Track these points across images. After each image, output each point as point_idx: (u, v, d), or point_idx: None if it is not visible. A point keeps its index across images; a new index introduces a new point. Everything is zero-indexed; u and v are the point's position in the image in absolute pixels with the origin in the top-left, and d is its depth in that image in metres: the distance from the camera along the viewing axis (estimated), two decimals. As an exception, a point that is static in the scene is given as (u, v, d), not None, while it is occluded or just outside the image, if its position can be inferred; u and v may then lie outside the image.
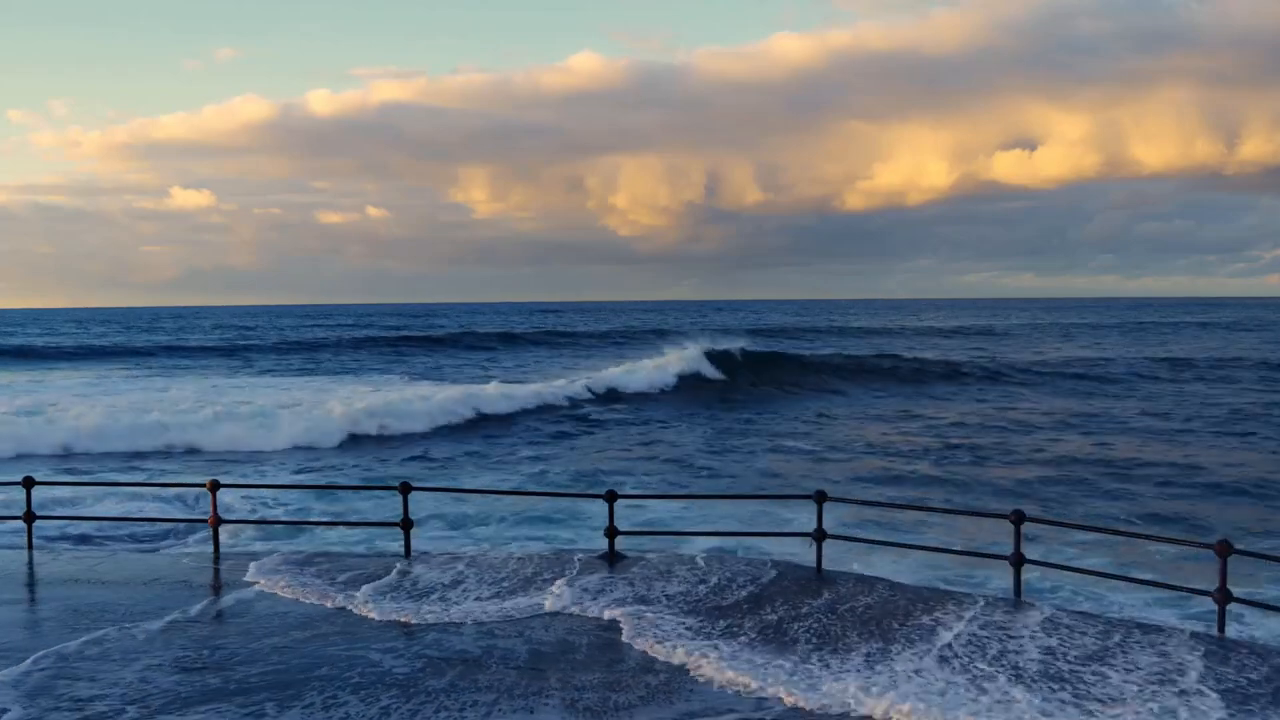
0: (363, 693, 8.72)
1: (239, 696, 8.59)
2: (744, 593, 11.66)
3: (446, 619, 10.95)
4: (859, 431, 35.15)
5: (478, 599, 11.62)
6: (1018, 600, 11.39)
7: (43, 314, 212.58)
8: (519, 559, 13.71)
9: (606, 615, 10.93)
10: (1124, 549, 17.78)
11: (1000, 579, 13.92)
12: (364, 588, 12.04)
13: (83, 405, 36.19)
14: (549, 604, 11.33)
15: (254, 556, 13.87)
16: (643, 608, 11.08)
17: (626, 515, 17.27)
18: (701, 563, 13.02)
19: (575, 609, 11.16)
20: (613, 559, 13.04)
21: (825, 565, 12.63)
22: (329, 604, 11.47)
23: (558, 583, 11.99)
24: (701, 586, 11.91)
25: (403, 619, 10.95)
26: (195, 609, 11.20)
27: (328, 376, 56.56)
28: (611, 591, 11.75)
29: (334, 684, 8.91)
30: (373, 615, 11.06)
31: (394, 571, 12.78)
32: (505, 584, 12.22)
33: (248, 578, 12.57)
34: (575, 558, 13.30)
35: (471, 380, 50.06)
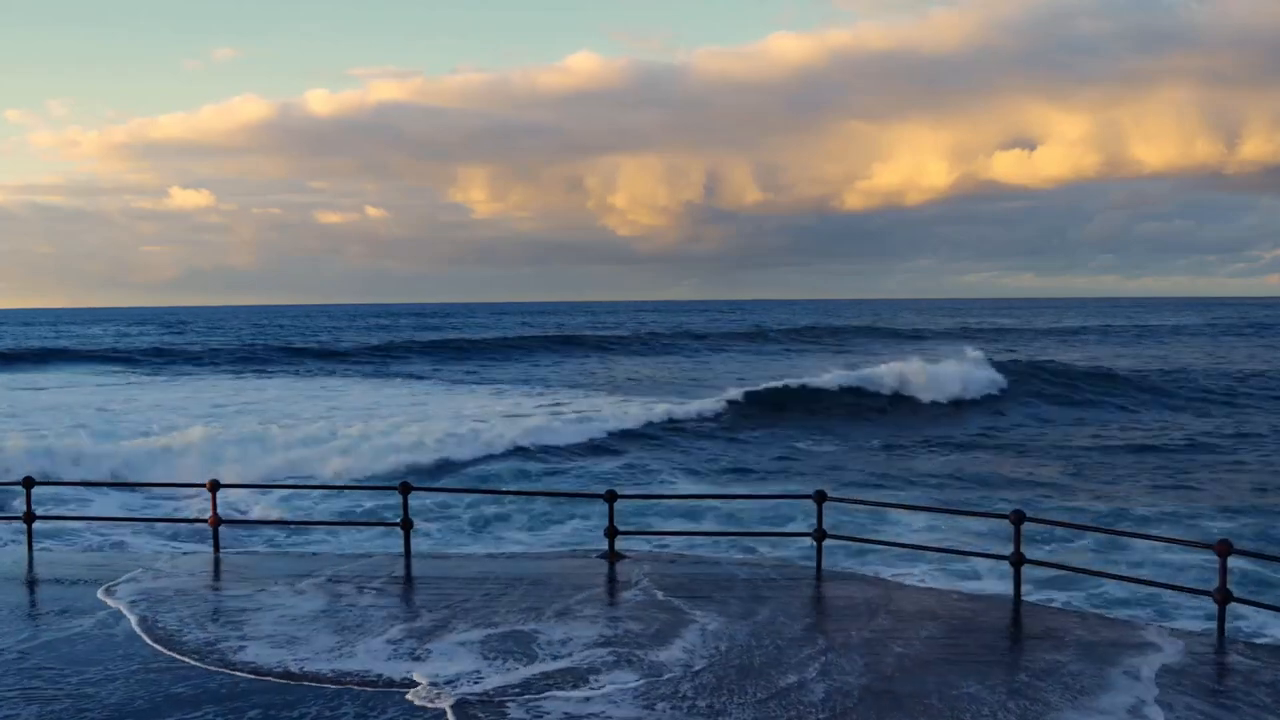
0: None
1: None
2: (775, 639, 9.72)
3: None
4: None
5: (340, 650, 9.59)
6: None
7: (64, 314, 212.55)
8: (504, 560, 13.67)
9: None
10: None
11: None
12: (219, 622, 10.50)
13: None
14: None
15: (254, 555, 13.85)
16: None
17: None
18: (720, 574, 12.79)
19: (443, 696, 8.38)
20: (613, 558, 13.02)
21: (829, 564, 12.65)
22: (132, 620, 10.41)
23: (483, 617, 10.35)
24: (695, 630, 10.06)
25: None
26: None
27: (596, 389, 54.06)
28: (546, 651, 9.47)
29: None
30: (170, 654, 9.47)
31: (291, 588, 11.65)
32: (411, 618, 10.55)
33: (100, 594, 11.56)
34: (564, 572, 13.24)
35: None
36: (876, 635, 9.95)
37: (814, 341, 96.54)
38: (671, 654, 9.41)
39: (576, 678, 8.79)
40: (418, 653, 9.50)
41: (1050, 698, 8.22)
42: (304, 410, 40.95)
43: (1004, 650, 9.78)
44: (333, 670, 9.01)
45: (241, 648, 9.65)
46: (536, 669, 9.04)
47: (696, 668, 9.01)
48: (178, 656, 9.39)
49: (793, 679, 8.69)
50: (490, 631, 10.10)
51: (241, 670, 9.03)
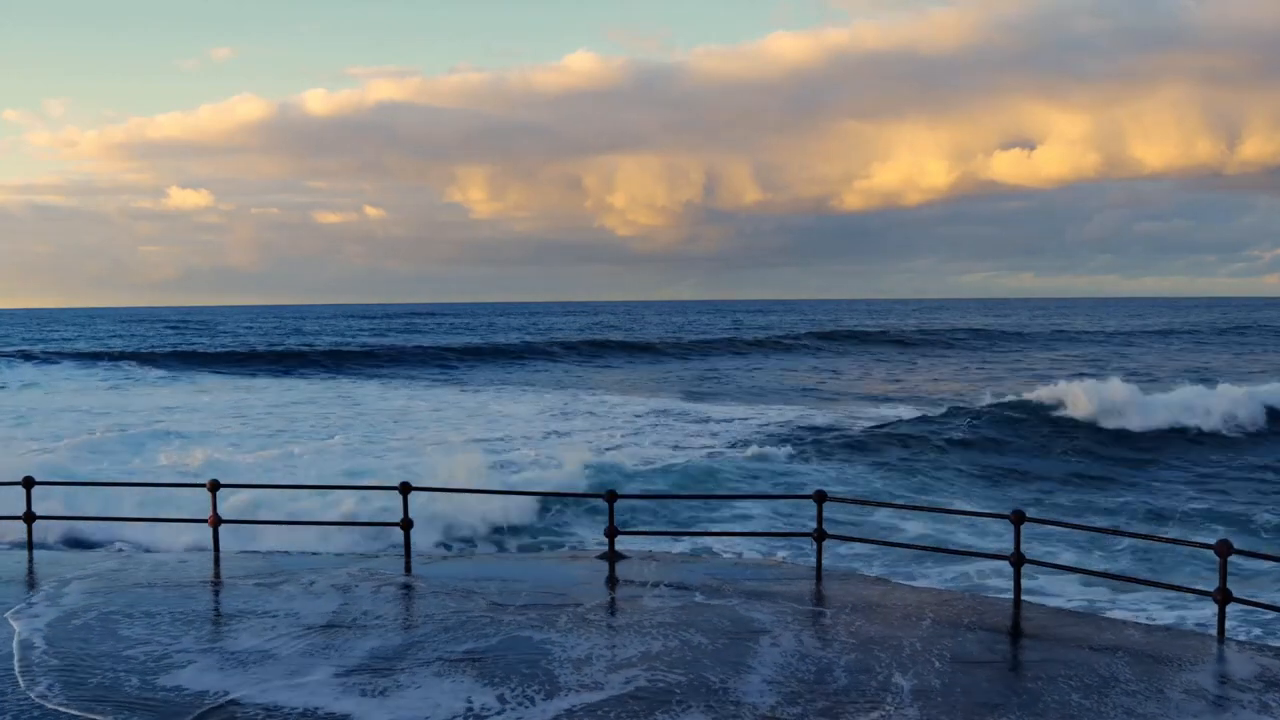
0: None
1: None
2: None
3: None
4: None
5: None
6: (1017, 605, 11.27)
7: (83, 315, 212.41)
8: (504, 560, 13.62)
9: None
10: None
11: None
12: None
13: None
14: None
15: (263, 556, 13.85)
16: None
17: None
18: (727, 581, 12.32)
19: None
20: (613, 559, 13.02)
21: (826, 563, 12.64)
22: None
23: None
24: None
25: None
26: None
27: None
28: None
29: None
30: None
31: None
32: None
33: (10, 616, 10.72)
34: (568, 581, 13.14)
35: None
36: (922, 643, 9.57)
37: (953, 345, 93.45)
38: (729, 673, 8.58)
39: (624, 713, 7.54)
40: (392, 679, 8.40)
41: None
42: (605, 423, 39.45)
43: (1055, 661, 9.22)
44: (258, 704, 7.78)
45: (188, 664, 8.92)
46: (563, 703, 7.73)
47: (763, 691, 8.24)
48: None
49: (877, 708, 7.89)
50: (491, 643, 9.42)
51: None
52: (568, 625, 10.08)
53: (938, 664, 8.95)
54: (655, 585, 11.78)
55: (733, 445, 32.03)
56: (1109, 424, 34.30)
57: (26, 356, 70.40)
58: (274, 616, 10.53)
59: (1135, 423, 34.37)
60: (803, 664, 8.90)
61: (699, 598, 11.18)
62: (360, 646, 9.45)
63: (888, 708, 7.84)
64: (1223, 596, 9.93)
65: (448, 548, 19.06)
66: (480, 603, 10.98)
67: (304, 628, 10.13)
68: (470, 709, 7.71)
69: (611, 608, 10.95)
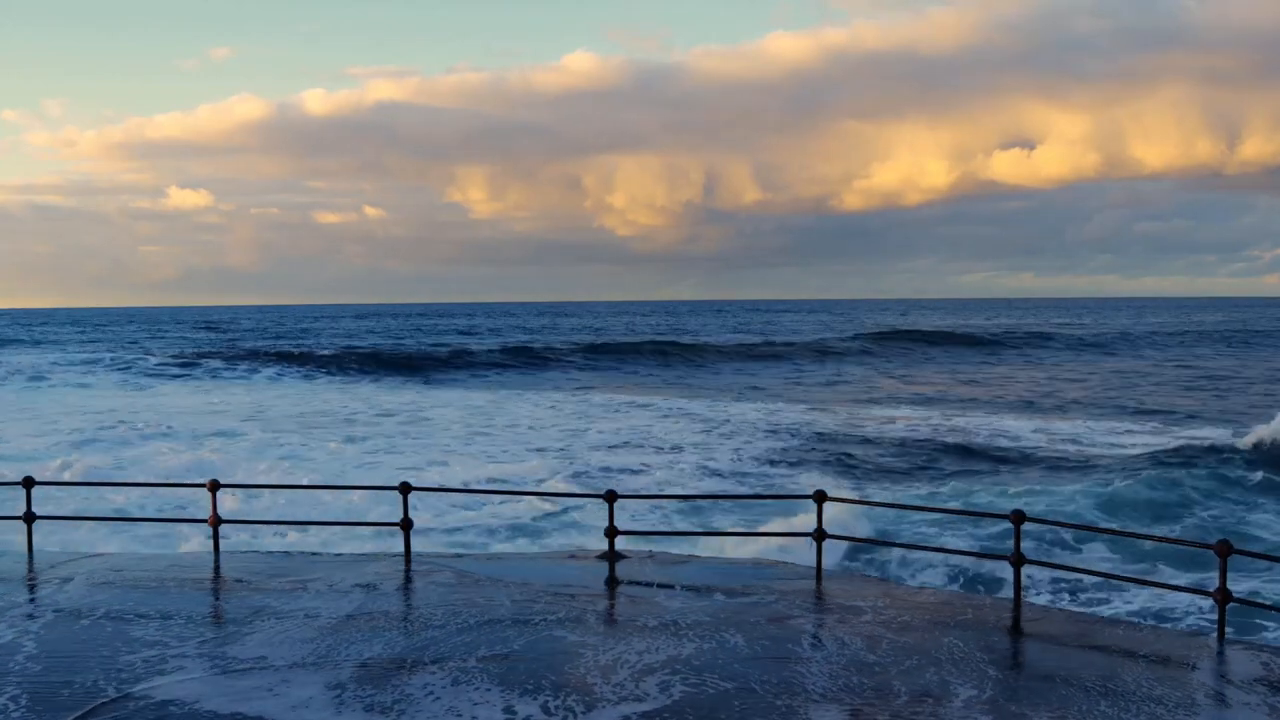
0: None
1: None
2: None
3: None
4: None
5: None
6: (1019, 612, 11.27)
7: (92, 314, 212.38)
8: (506, 561, 13.61)
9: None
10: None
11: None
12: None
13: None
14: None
15: (263, 557, 13.85)
16: None
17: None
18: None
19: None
20: (612, 558, 13.02)
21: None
22: None
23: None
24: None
25: None
26: None
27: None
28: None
29: None
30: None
31: None
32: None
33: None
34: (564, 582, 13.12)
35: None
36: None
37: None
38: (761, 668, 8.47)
39: None
40: (405, 687, 8.06)
41: None
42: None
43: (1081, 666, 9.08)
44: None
45: (177, 668, 8.67)
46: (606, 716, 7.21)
47: (815, 698, 7.94)
48: None
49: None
50: (514, 648, 9.10)
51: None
52: (594, 627, 9.93)
53: (991, 671, 8.78)
54: (666, 586, 11.76)
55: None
56: None
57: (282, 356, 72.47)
58: (277, 619, 10.45)
59: None
60: (846, 671, 8.71)
61: (720, 598, 11.11)
62: (367, 651, 9.28)
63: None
64: (1223, 596, 9.92)
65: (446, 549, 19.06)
66: (491, 604, 10.84)
67: (308, 630, 10.03)
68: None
69: (622, 610, 10.88)
